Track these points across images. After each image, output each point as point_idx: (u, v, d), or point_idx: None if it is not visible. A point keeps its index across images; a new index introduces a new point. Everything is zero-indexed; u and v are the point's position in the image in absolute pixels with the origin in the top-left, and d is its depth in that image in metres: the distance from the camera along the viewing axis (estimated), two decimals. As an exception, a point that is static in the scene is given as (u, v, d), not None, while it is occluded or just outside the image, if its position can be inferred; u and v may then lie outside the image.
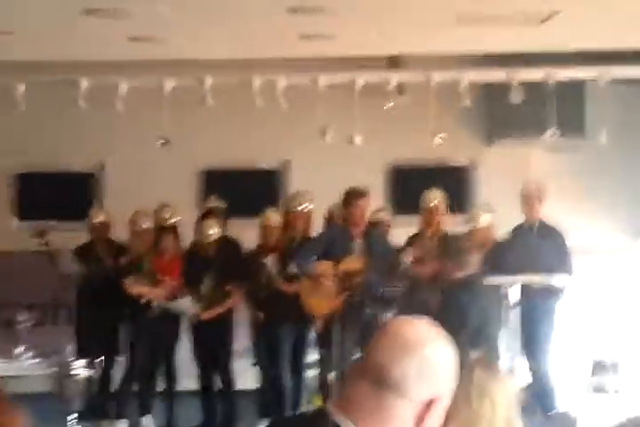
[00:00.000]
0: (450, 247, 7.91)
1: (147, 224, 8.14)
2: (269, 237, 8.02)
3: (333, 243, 7.50)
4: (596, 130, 8.77)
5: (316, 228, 8.22)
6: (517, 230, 7.98)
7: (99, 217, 8.39)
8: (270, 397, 7.99)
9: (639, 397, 8.84)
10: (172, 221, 8.35)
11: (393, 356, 1.71)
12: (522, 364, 7.65)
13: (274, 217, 8.10)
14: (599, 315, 9.58)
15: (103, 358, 7.64)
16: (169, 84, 7.97)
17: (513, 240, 7.93)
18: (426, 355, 1.72)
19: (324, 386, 7.87)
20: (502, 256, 7.73)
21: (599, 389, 8.44)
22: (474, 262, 7.76)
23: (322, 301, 7.46)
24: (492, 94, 9.83)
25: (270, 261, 7.85)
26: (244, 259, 8.10)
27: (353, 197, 7.57)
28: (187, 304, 7.90)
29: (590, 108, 9.57)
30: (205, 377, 8.11)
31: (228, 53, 7.41)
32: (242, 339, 8.29)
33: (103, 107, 8.22)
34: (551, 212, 8.07)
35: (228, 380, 8.05)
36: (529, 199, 7.88)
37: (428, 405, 1.73)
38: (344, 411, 1.74)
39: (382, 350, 1.73)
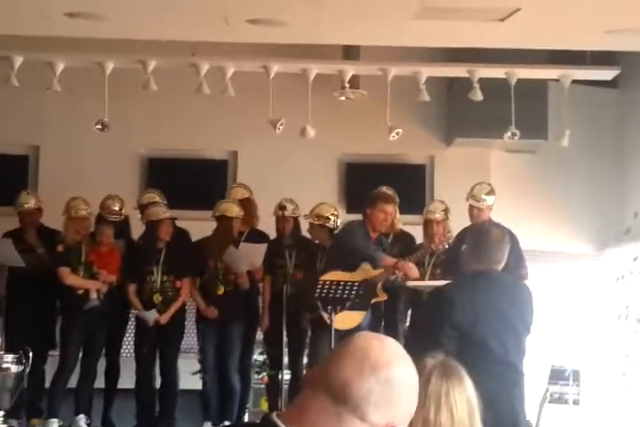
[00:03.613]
0: (404, 247, 7.60)
1: (84, 211, 7.73)
2: (229, 229, 7.55)
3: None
4: (558, 132, 8.52)
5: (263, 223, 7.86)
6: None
7: (29, 202, 7.93)
8: (215, 398, 7.58)
9: (601, 408, 8.53)
10: (122, 213, 7.92)
11: (358, 375, 1.65)
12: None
13: (234, 208, 7.62)
14: (559, 323, 9.31)
15: (34, 352, 7.18)
16: (109, 66, 7.56)
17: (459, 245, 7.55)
18: (391, 378, 1.67)
19: (271, 388, 7.60)
20: (452, 260, 7.38)
21: (557, 399, 8.10)
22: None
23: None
24: (452, 91, 9.58)
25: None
26: (197, 250, 7.66)
27: (380, 198, 7.13)
28: (152, 316, 7.48)
29: (553, 110, 9.30)
30: (146, 375, 7.62)
31: (172, 35, 7.02)
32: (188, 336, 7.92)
33: (39, 86, 7.84)
34: (509, 215, 7.75)
35: (170, 379, 7.61)
36: (473, 202, 7.50)
37: None
38: (295, 423, 1.65)
39: (346, 367, 1.66)
